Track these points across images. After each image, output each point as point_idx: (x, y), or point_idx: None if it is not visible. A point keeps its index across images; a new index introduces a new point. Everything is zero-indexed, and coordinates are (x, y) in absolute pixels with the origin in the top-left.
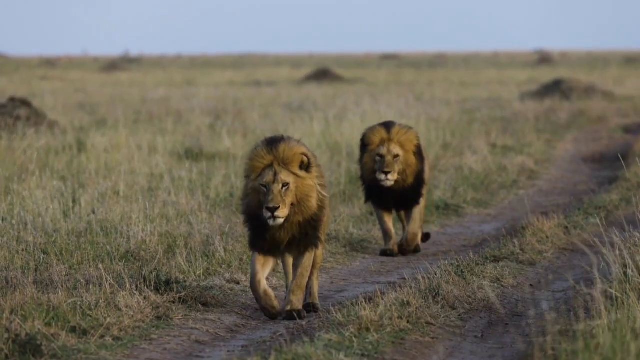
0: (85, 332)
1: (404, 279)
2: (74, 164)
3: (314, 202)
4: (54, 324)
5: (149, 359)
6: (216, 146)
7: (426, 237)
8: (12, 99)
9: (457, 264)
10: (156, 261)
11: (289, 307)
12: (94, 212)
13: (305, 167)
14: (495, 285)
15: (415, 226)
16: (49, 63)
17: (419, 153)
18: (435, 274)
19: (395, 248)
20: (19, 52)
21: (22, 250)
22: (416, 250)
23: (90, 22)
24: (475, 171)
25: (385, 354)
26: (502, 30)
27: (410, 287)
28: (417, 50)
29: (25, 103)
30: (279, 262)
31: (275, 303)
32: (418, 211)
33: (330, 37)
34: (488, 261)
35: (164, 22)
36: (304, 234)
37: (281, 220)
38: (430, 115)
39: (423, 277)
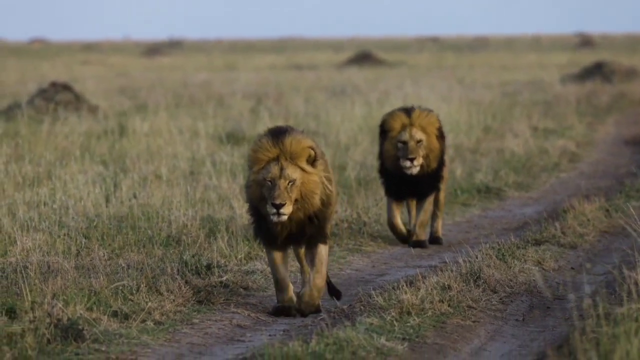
0: (126, 317)
1: (445, 262)
2: (115, 148)
3: (317, 200)
4: (95, 308)
5: (190, 343)
6: (258, 130)
7: (436, 240)
8: (53, 84)
9: (498, 247)
10: (197, 245)
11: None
12: (135, 197)
13: (312, 161)
14: (537, 268)
15: (425, 217)
16: (90, 48)
17: (440, 135)
18: (477, 258)
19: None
20: (61, 36)
21: (64, 235)
22: (421, 244)
23: (131, 7)
24: (517, 154)
25: (426, 338)
26: (543, 13)
27: (452, 271)
28: (457, 33)
29: (66, 88)
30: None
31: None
32: (429, 201)
33: (370, 21)
34: (529, 244)
35: (205, 6)
36: (302, 230)
37: (285, 217)
38: (472, 99)
39: (464, 261)
